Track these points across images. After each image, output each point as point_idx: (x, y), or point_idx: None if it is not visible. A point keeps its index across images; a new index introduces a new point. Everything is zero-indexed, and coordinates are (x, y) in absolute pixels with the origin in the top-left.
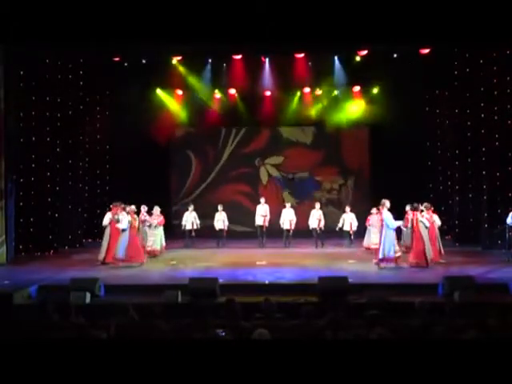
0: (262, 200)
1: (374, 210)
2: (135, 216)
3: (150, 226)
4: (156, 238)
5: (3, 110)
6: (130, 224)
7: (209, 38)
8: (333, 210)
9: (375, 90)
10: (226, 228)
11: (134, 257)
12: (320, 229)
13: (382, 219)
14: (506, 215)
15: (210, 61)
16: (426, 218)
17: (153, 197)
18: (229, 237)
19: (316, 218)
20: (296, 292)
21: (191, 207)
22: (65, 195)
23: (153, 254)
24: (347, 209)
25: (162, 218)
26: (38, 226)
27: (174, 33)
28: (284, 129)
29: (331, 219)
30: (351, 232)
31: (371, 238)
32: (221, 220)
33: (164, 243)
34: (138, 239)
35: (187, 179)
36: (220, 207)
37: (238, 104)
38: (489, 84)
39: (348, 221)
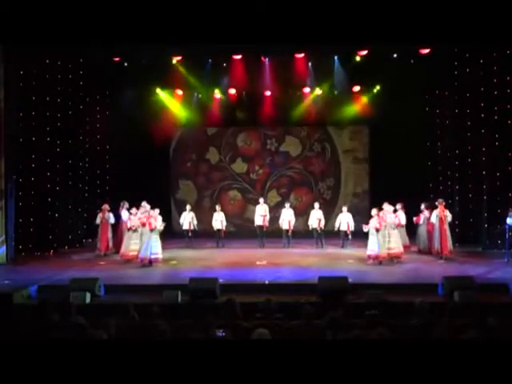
0: (261, 200)
1: (389, 208)
2: (106, 212)
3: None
4: (127, 241)
5: (3, 109)
6: (101, 220)
7: (209, 38)
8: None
9: (375, 90)
10: (223, 228)
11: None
12: (320, 228)
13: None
14: (506, 215)
15: (210, 61)
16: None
17: (153, 197)
18: (228, 237)
19: (316, 218)
20: (296, 292)
21: (189, 207)
22: (65, 195)
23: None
24: (344, 209)
25: (141, 218)
26: (37, 226)
27: (174, 33)
28: (284, 129)
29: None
30: (348, 232)
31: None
32: (219, 220)
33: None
34: (104, 232)
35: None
36: (218, 207)
37: (238, 104)
38: (489, 84)
39: (345, 221)
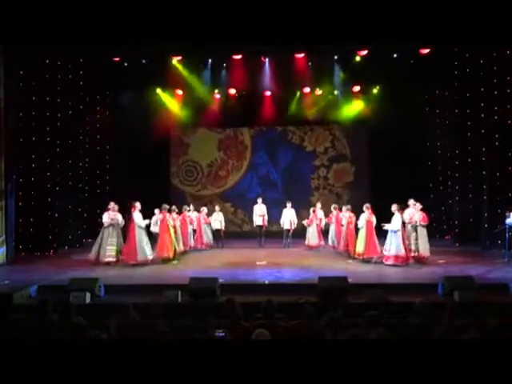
0: (259, 200)
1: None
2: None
3: None
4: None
5: (3, 109)
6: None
7: (209, 38)
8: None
9: (375, 90)
10: (223, 228)
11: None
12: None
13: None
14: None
15: (210, 61)
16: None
17: (153, 196)
18: (228, 237)
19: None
20: (296, 292)
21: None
22: (65, 195)
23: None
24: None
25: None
26: (37, 226)
27: (174, 33)
28: (284, 129)
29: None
30: None
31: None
32: (218, 220)
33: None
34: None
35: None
36: (217, 207)
37: (238, 104)
38: (489, 84)
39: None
